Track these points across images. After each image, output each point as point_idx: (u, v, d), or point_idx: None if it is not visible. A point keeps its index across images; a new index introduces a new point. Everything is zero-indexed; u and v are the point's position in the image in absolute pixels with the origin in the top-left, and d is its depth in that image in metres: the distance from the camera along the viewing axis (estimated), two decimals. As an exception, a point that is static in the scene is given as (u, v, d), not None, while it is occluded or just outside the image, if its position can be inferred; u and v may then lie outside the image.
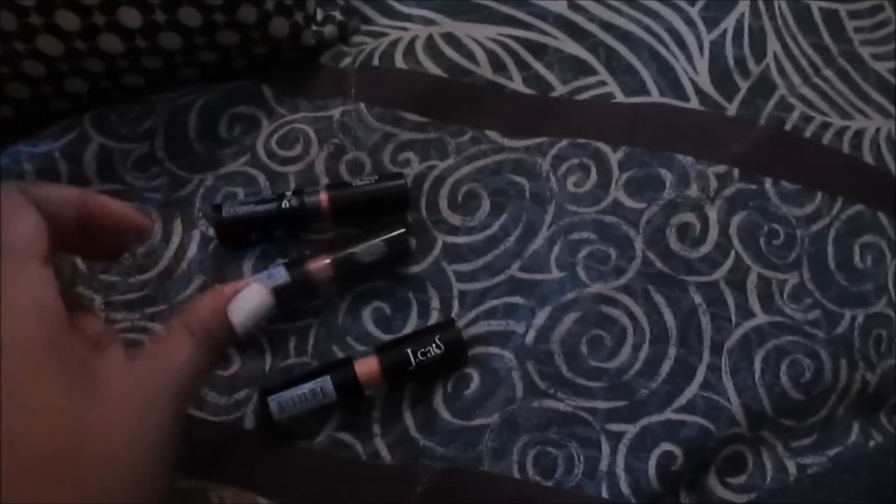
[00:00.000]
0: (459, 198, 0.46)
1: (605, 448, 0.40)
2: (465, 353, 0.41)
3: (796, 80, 0.50)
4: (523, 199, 0.46)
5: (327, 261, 0.41)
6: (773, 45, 0.51)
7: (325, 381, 0.39)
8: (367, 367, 0.40)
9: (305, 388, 0.39)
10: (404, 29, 0.50)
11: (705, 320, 0.43)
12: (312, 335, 0.42)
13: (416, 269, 0.44)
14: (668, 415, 0.41)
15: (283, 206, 0.42)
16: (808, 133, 0.49)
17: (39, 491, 0.25)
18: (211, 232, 0.44)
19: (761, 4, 0.52)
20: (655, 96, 0.49)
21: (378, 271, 0.43)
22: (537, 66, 0.50)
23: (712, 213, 0.45)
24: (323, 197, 0.43)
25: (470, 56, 0.49)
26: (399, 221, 0.44)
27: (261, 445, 0.40)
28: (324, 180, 0.45)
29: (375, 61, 0.49)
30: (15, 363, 0.26)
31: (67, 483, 0.26)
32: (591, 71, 0.50)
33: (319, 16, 0.50)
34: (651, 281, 0.43)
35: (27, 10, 0.41)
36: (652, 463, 0.40)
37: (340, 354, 0.42)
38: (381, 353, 0.40)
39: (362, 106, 0.47)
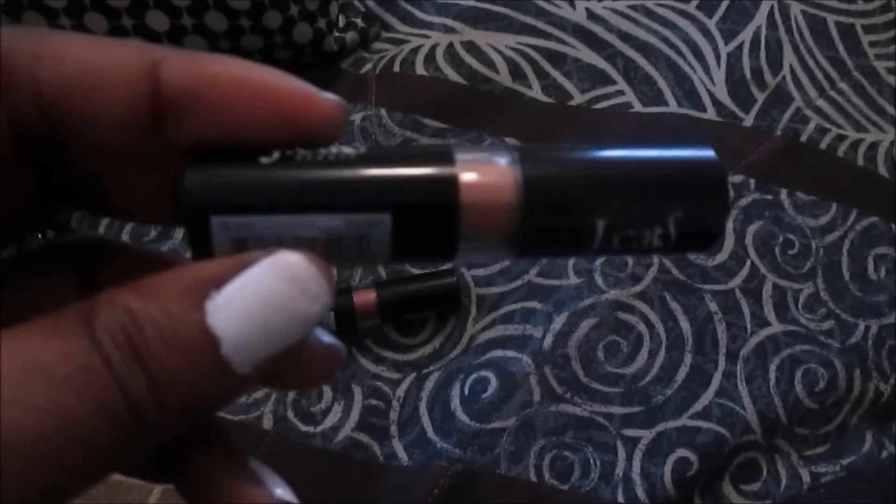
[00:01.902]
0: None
1: (622, 453, 0.40)
2: (458, 297, 0.43)
3: (812, 92, 0.51)
4: (541, 206, 0.46)
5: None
6: (789, 57, 0.52)
7: (328, 317, 0.41)
8: (364, 298, 0.42)
9: None
10: (425, 36, 0.51)
11: (721, 328, 0.43)
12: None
13: (434, 272, 0.45)
14: (684, 421, 0.41)
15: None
16: (823, 145, 0.49)
17: None
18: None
19: (778, 17, 0.53)
20: (673, 106, 0.49)
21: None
22: (556, 74, 0.50)
23: (728, 223, 0.46)
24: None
25: (490, 64, 0.50)
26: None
27: (278, 445, 0.40)
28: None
29: (396, 67, 0.49)
30: None
31: None
32: (610, 80, 0.50)
33: (341, 22, 0.51)
34: (667, 288, 0.44)
35: (57, 12, 0.42)
36: (667, 468, 0.40)
37: (360, 357, 0.42)
38: (379, 288, 0.42)
39: (383, 111, 0.48)
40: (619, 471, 0.40)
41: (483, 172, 0.14)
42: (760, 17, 0.52)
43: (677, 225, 0.15)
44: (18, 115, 0.14)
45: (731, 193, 0.47)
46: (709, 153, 0.15)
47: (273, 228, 0.14)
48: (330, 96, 0.16)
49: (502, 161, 0.15)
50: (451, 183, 0.14)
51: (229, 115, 0.15)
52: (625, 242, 0.15)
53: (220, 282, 0.13)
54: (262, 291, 0.14)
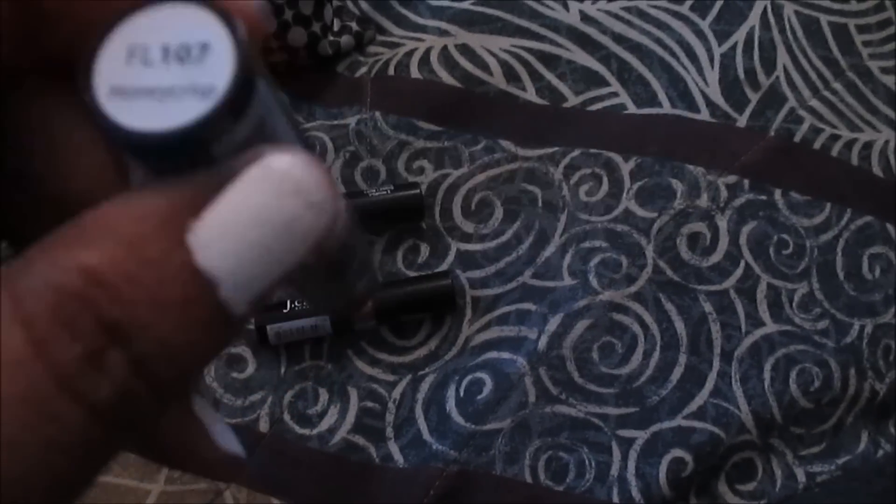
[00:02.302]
0: (473, 206, 0.46)
1: (617, 453, 0.41)
2: (454, 299, 0.43)
3: (806, 92, 0.51)
4: (536, 208, 0.46)
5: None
6: (782, 57, 0.52)
7: (324, 319, 0.42)
8: None
9: (304, 323, 0.41)
10: (419, 40, 0.51)
11: (715, 328, 0.43)
12: (328, 339, 0.43)
13: (429, 275, 0.45)
14: (679, 421, 0.41)
15: None
16: (817, 145, 0.49)
17: None
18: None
19: (771, 18, 0.53)
20: (666, 107, 0.49)
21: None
22: (550, 77, 0.50)
23: (722, 223, 0.46)
24: None
25: (484, 66, 0.50)
26: (415, 228, 0.45)
27: (275, 447, 0.41)
28: (339, 188, 0.46)
29: (391, 71, 0.50)
30: None
31: None
32: (604, 82, 0.50)
33: (336, 26, 0.51)
34: (662, 289, 0.44)
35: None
36: (662, 468, 0.40)
37: (356, 360, 0.43)
38: None
39: (378, 114, 0.48)
40: (615, 471, 0.40)
41: None
42: (754, 18, 0.52)
43: None
44: None
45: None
46: None
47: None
48: None
49: None
50: None
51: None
52: None
53: (195, 208, 0.11)
54: (257, 212, 0.11)
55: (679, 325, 0.43)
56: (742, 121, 0.49)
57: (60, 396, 0.09)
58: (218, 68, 0.11)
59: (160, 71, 0.11)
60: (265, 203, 0.11)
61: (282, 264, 0.11)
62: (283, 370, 0.42)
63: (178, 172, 0.11)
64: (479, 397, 0.42)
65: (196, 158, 0.11)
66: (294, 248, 0.11)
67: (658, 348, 0.43)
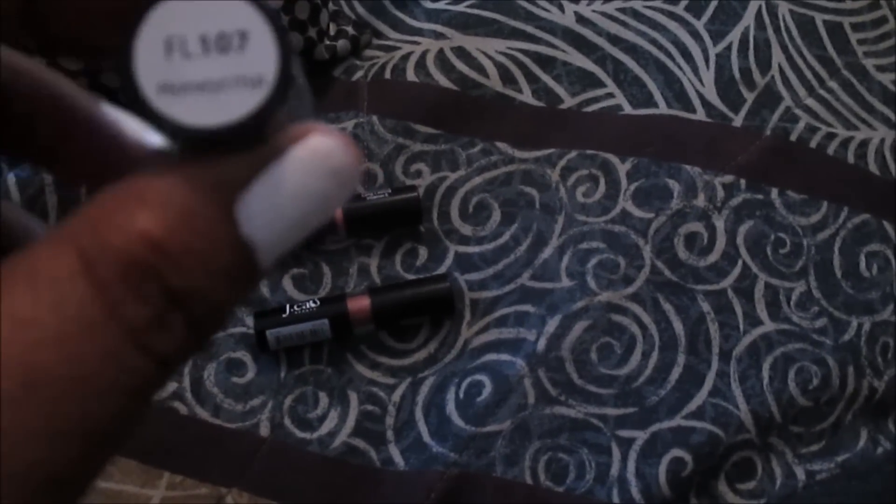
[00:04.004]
0: (470, 208, 0.46)
1: (616, 454, 0.41)
2: (452, 302, 0.43)
3: (801, 91, 0.51)
4: (533, 210, 0.46)
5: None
6: (777, 57, 0.52)
7: (323, 324, 0.42)
8: (358, 304, 0.42)
9: (303, 327, 0.42)
10: (415, 43, 0.51)
11: (713, 328, 0.43)
12: (327, 343, 0.43)
13: (428, 278, 0.45)
14: (678, 421, 0.41)
15: None
16: (813, 143, 0.50)
17: None
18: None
19: (766, 17, 0.53)
20: (662, 108, 0.50)
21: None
22: (546, 78, 0.50)
23: (719, 223, 0.46)
24: (337, 211, 0.44)
25: (480, 69, 0.50)
26: (413, 232, 0.45)
27: (276, 452, 0.41)
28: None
29: (387, 74, 0.50)
30: None
31: None
32: (599, 83, 0.50)
33: (332, 30, 0.51)
34: (659, 289, 0.44)
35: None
36: (662, 469, 0.40)
37: (355, 363, 0.43)
38: (372, 294, 0.43)
39: (374, 118, 0.48)
40: (615, 472, 0.40)
41: None
42: (749, 18, 0.52)
43: None
44: None
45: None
46: None
47: None
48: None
49: None
50: None
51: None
52: None
53: (242, 182, 0.12)
54: (299, 190, 0.12)
55: (677, 326, 0.43)
56: (738, 120, 0.49)
57: (135, 353, 0.11)
58: (262, 57, 0.12)
59: (204, 63, 0.12)
60: (306, 182, 0.12)
61: (309, 230, 0.12)
62: (282, 375, 0.42)
63: (224, 151, 0.12)
64: (478, 399, 0.42)
65: (243, 141, 0.12)
66: (322, 218, 0.12)
67: (656, 348, 0.43)
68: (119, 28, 0.12)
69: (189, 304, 0.11)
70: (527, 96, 0.50)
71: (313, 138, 0.12)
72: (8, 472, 0.10)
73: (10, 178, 0.45)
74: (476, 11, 0.52)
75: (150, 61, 0.12)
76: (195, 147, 0.12)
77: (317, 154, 0.12)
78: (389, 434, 0.41)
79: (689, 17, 0.53)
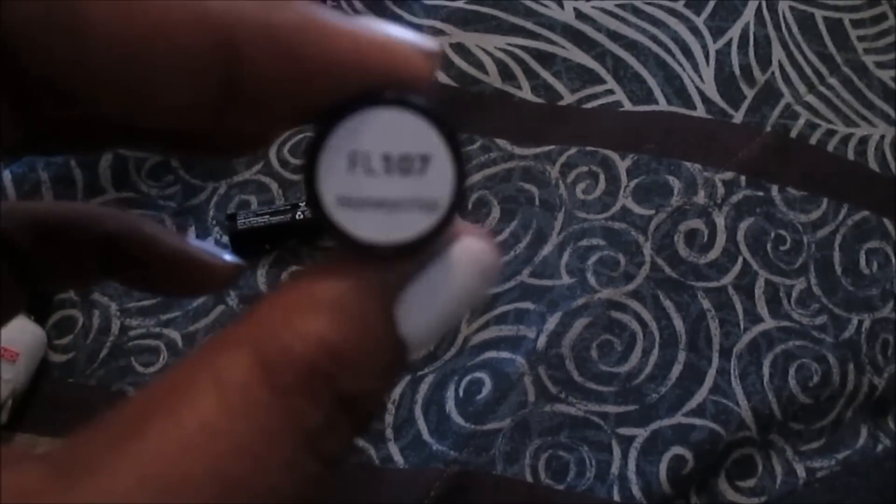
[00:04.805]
0: (470, 205, 0.46)
1: (617, 452, 0.41)
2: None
3: (801, 88, 0.51)
4: (533, 207, 0.46)
5: None
6: (777, 53, 0.52)
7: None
8: None
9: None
10: (414, 39, 0.51)
11: (714, 325, 0.43)
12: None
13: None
14: (679, 419, 0.41)
15: (298, 216, 0.43)
16: (813, 140, 0.49)
17: None
18: (225, 239, 0.44)
19: (766, 14, 0.53)
20: (662, 104, 0.49)
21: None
22: (545, 74, 0.50)
23: (720, 220, 0.46)
24: None
25: (479, 65, 0.50)
26: None
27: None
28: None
29: (386, 71, 0.50)
30: None
31: None
32: (599, 80, 0.50)
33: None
34: (660, 286, 0.44)
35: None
36: (663, 466, 0.40)
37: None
38: None
39: (373, 115, 0.48)
40: (615, 469, 0.40)
41: None
42: (749, 14, 0.52)
43: None
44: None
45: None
46: None
47: None
48: (418, 44, 0.13)
49: None
50: None
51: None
52: None
53: (400, 282, 0.12)
54: (453, 290, 0.12)
55: (678, 323, 0.43)
56: (738, 117, 0.49)
57: (311, 459, 0.11)
58: (439, 182, 0.12)
59: (384, 182, 0.12)
60: (458, 283, 0.12)
61: (452, 325, 0.13)
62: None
63: (388, 259, 0.12)
64: (478, 397, 0.41)
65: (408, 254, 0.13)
66: (465, 313, 0.13)
67: (657, 346, 0.43)
68: (310, 135, 0.12)
69: (356, 404, 0.11)
70: (526, 93, 0.50)
71: (467, 240, 0.13)
72: None
73: (6, 175, 0.44)
74: (475, 7, 0.52)
75: (332, 173, 0.12)
76: (361, 254, 0.12)
77: (471, 256, 0.12)
78: (389, 432, 0.41)
79: (689, 13, 0.52)
